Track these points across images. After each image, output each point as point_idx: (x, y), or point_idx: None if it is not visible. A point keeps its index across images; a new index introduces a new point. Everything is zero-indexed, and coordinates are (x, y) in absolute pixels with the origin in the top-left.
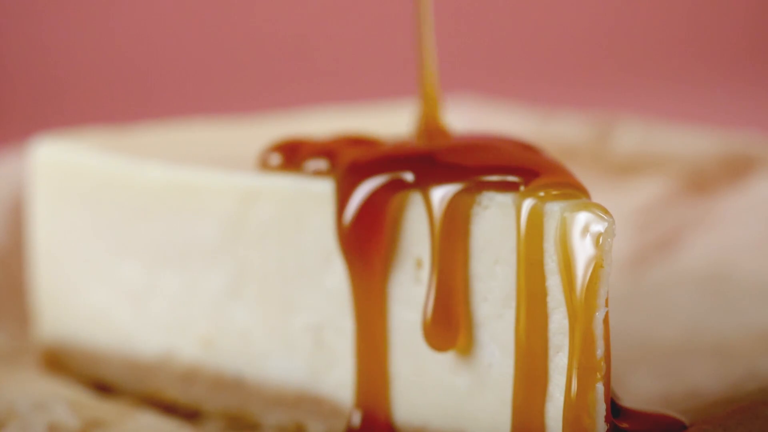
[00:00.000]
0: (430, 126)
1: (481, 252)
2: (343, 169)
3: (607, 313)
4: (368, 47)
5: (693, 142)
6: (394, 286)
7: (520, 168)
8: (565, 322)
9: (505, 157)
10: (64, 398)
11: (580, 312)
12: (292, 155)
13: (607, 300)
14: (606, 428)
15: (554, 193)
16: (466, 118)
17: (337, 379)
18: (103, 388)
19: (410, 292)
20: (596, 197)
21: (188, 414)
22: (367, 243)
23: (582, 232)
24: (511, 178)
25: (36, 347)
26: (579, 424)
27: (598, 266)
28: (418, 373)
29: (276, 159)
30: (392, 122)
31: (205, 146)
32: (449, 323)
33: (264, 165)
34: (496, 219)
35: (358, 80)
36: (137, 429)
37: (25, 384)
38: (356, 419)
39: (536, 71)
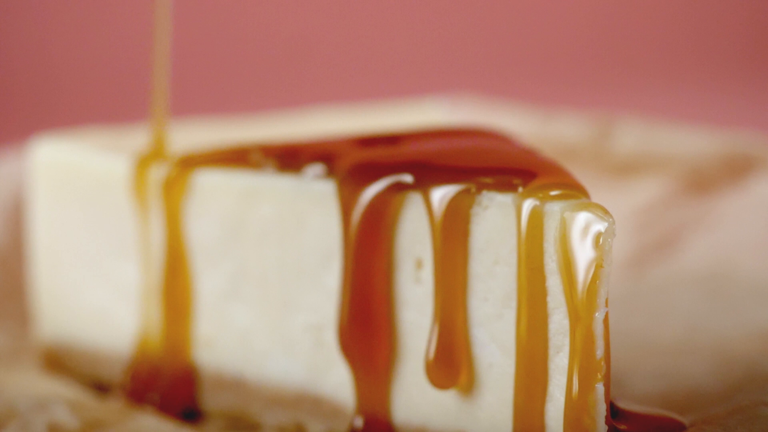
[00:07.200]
0: (155, 149)
1: (481, 252)
2: (345, 172)
3: (607, 313)
4: (368, 47)
5: (693, 142)
6: (395, 286)
7: (520, 169)
8: (566, 322)
9: (504, 158)
10: (64, 398)
11: (581, 312)
12: (292, 160)
13: (607, 300)
14: (606, 429)
15: (554, 193)
16: (466, 118)
17: (337, 379)
18: (103, 388)
19: (410, 292)
20: (596, 197)
21: (188, 414)
22: (370, 244)
23: (582, 232)
24: (511, 179)
25: (36, 347)
26: (579, 425)
27: (598, 266)
28: (418, 373)
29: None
30: (392, 123)
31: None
32: (451, 363)
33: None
34: (496, 219)
35: (359, 80)
36: (137, 429)
37: (25, 384)
38: (358, 422)
39: (536, 71)
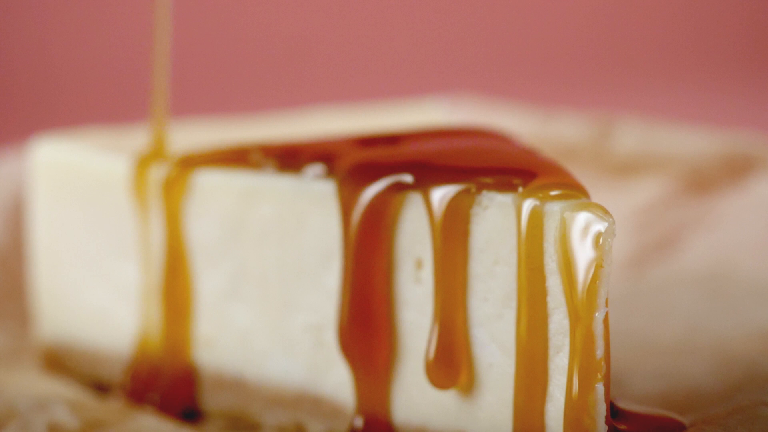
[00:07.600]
0: (155, 149)
1: (481, 252)
2: (345, 172)
3: (607, 313)
4: (368, 47)
5: (693, 142)
6: (395, 286)
7: (520, 169)
8: (566, 322)
9: (504, 158)
10: (64, 398)
11: (581, 312)
12: (292, 160)
13: (607, 300)
14: (606, 429)
15: (554, 193)
16: (466, 118)
17: (337, 379)
18: (103, 388)
19: (410, 292)
20: (596, 197)
21: (188, 414)
22: (370, 244)
23: (582, 232)
24: (511, 179)
25: (36, 347)
26: (579, 425)
27: (598, 266)
28: (418, 373)
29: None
30: (392, 123)
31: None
32: (451, 363)
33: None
34: (496, 219)
35: (359, 80)
36: (137, 429)
37: (25, 384)
38: (358, 422)
39: (536, 71)
